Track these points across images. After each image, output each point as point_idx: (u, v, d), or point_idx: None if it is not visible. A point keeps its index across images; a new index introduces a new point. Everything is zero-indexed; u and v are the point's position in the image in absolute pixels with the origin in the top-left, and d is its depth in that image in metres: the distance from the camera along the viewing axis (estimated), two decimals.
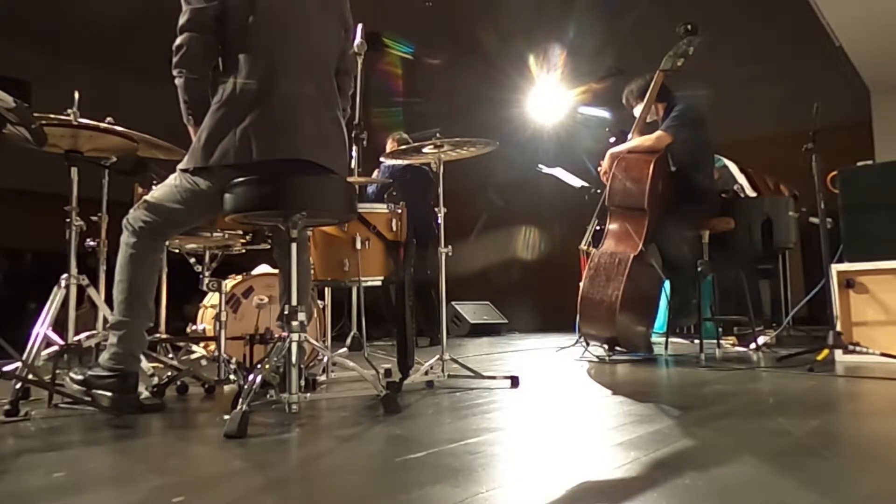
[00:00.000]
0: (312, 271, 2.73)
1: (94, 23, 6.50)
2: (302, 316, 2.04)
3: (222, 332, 2.64)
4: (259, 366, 2.06)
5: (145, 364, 2.45)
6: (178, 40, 2.10)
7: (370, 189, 5.09)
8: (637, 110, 3.99)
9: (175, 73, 2.11)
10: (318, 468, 1.49)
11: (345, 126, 2.32)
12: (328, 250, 2.82)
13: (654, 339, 4.07)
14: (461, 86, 7.57)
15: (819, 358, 3.14)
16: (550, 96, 7.34)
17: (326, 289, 3.22)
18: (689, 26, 3.67)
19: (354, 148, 3.22)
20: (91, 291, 2.55)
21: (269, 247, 2.71)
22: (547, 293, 7.52)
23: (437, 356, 2.76)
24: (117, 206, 2.68)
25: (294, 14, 2.19)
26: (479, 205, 8.61)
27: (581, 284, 3.67)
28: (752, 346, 3.91)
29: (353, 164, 3.25)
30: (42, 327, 2.37)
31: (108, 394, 2.10)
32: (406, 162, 3.19)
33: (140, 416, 2.12)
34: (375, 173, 4.87)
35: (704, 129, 3.99)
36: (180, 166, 2.19)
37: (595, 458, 1.51)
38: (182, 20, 2.10)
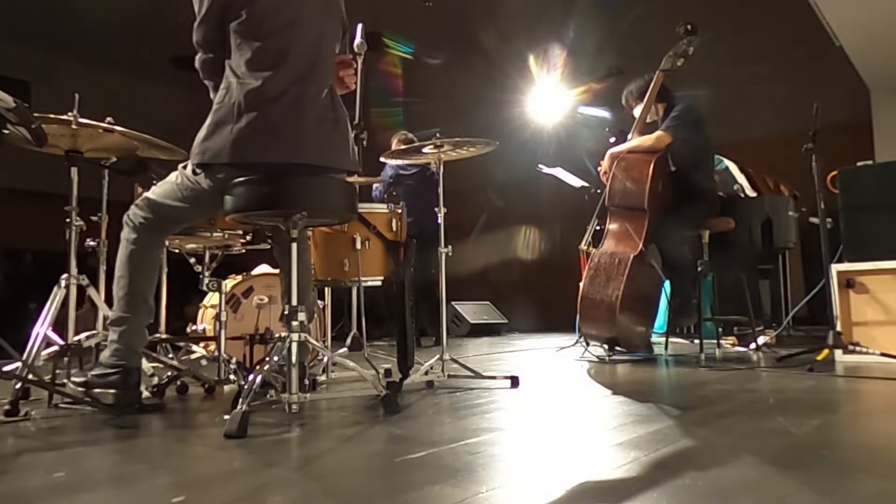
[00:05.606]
0: (313, 271, 2.73)
1: (94, 23, 6.50)
2: (302, 316, 2.05)
3: (222, 332, 2.64)
4: (259, 366, 2.06)
5: (145, 364, 2.44)
6: (196, 60, 2.23)
7: (375, 190, 5.09)
8: (637, 111, 3.99)
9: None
10: (318, 468, 1.49)
11: (348, 120, 2.32)
12: (328, 250, 2.82)
13: (654, 339, 4.07)
14: (461, 86, 7.57)
15: (819, 358, 3.14)
16: (550, 96, 7.34)
17: (326, 289, 3.22)
18: (688, 26, 3.67)
19: (355, 148, 3.21)
20: (91, 291, 2.55)
21: (269, 247, 2.71)
22: (547, 293, 7.52)
23: (437, 356, 2.75)
24: (117, 206, 2.68)
25: (294, 13, 2.19)
26: (479, 205, 8.61)
27: (581, 284, 3.67)
28: (752, 346, 3.90)
29: None
30: (42, 327, 2.37)
31: (112, 391, 2.11)
32: (409, 163, 3.19)
33: (140, 415, 2.12)
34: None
35: (704, 130, 3.99)
36: (182, 164, 2.20)
37: (595, 458, 1.51)
38: (195, 36, 2.19)
